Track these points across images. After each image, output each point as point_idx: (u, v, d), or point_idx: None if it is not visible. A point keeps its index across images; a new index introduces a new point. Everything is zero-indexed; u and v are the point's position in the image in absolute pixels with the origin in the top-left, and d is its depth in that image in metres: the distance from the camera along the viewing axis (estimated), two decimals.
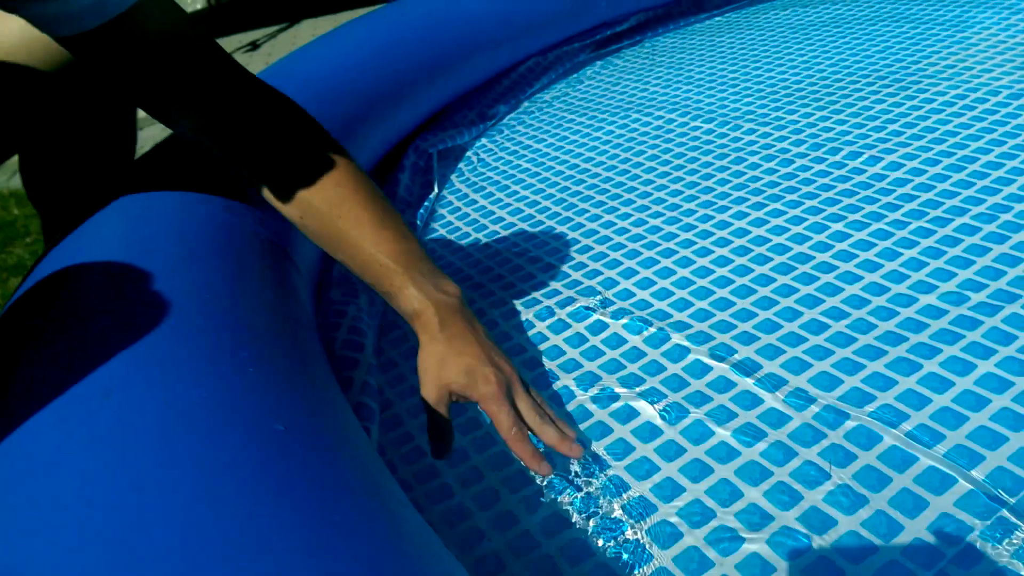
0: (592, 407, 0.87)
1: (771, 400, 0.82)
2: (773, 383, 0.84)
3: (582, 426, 0.84)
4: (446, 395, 0.73)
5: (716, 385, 0.86)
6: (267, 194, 0.76)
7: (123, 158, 0.99)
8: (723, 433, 0.79)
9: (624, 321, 1.00)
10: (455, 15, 1.77)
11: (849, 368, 0.84)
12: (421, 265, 0.75)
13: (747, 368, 0.87)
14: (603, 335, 0.98)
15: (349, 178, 0.75)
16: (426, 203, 1.43)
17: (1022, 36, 1.56)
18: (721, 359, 0.89)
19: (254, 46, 3.89)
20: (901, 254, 1.00)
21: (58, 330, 0.63)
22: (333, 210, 0.73)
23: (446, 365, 0.72)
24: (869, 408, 0.78)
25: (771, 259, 1.06)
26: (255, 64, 3.47)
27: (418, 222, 1.38)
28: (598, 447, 0.81)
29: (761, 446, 0.77)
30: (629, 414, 0.85)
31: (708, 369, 0.89)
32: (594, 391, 0.89)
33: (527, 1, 1.91)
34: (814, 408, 0.80)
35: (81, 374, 0.55)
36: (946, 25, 1.71)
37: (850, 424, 0.77)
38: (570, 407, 0.88)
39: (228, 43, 3.95)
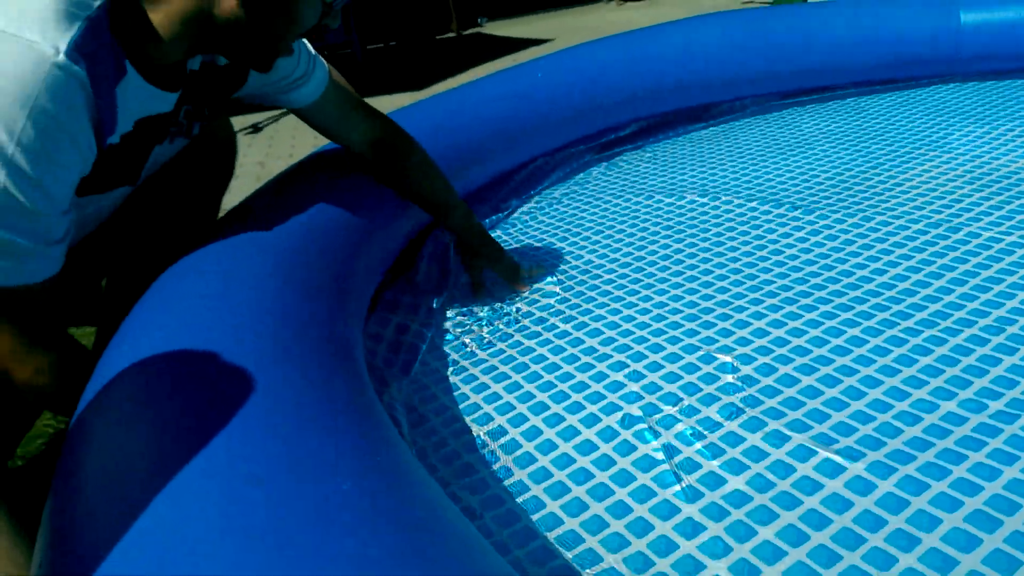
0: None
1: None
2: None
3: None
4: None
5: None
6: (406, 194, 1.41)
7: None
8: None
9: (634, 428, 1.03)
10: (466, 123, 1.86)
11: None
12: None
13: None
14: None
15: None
16: (445, 292, 1.47)
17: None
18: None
19: (256, 129, 4.00)
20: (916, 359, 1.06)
21: None
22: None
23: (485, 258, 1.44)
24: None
25: (754, 359, 1.11)
26: (258, 145, 3.56)
27: (434, 305, 1.42)
28: None
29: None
30: None
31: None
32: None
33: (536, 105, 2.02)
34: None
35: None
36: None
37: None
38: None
39: (233, 123, 4.07)
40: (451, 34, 6.36)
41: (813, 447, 0.93)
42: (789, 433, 0.96)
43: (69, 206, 0.85)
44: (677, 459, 0.95)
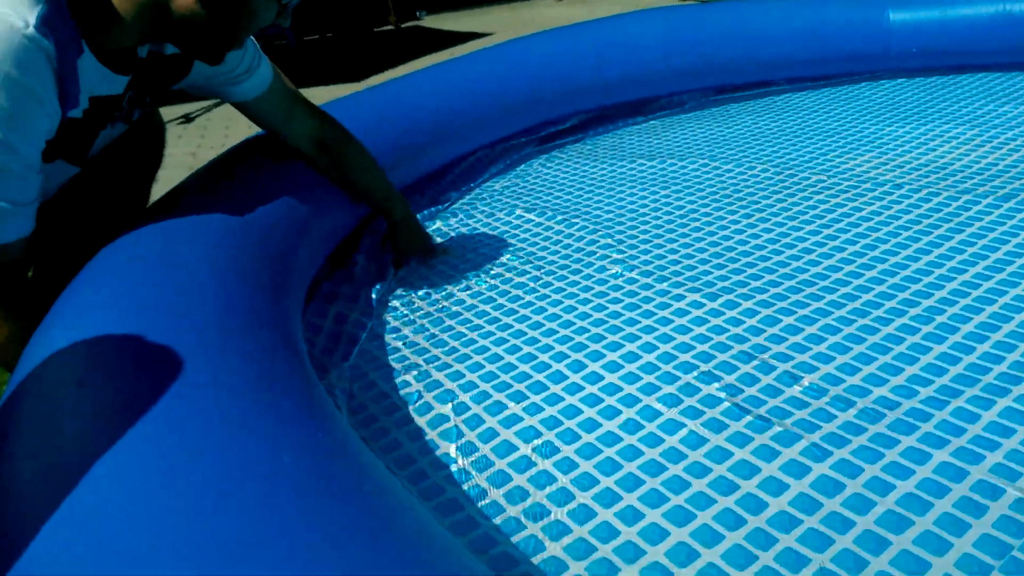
0: None
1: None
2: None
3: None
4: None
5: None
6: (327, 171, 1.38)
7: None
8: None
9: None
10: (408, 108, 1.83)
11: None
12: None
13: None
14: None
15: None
16: (379, 284, 1.44)
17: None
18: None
19: (187, 119, 3.87)
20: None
21: None
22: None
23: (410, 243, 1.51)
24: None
25: (693, 347, 1.12)
26: (189, 136, 3.44)
27: (373, 301, 1.39)
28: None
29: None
30: None
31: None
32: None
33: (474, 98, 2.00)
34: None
35: None
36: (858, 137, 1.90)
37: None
38: None
39: (163, 112, 3.93)
40: (389, 27, 6.28)
41: (749, 433, 0.94)
42: (727, 421, 0.97)
43: (39, 168, 0.89)
44: (617, 447, 0.95)
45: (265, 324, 0.86)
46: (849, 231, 1.43)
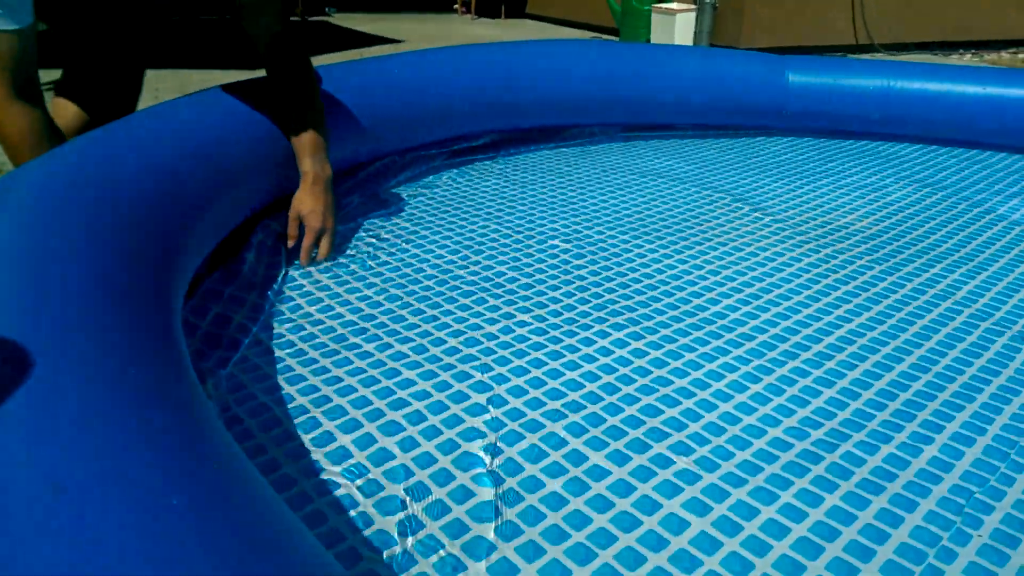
0: None
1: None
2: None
3: None
4: (296, 215, 1.45)
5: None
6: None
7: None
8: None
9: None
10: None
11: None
12: (320, 151, 1.50)
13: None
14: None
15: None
16: (274, 284, 1.34)
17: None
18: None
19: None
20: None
21: None
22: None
23: (302, 202, 1.45)
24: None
25: (598, 377, 1.10)
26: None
27: (264, 303, 1.29)
28: None
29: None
30: None
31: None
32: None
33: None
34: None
35: None
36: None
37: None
38: None
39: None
40: (295, 18, 6.07)
41: (653, 468, 0.92)
42: (630, 453, 0.95)
43: None
44: (504, 485, 0.91)
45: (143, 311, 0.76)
46: (737, 279, 1.47)
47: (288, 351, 1.16)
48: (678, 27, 4.90)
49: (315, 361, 1.14)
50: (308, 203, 1.44)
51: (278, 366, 1.13)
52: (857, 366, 1.16)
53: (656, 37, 5.00)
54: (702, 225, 1.71)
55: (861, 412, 1.05)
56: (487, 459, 0.94)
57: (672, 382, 1.11)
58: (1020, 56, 5.29)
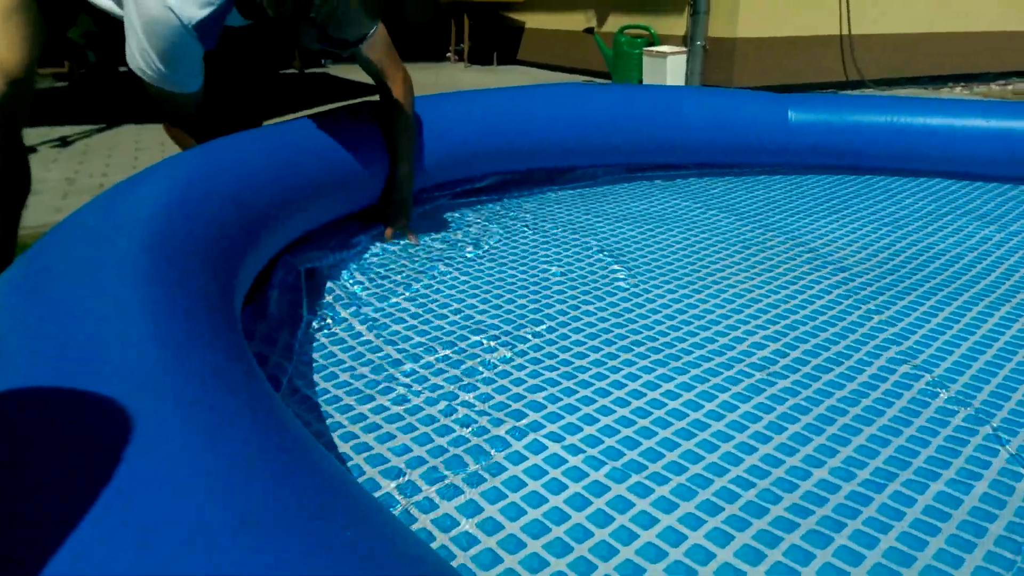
0: None
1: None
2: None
3: None
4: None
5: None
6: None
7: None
8: None
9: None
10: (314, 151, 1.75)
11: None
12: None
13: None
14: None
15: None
16: (299, 324, 1.34)
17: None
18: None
19: (64, 142, 3.57)
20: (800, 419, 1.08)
21: None
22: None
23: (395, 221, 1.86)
24: None
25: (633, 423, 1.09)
26: (65, 160, 3.16)
27: (294, 343, 1.28)
28: None
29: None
30: None
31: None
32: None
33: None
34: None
35: None
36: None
37: None
38: None
39: (35, 134, 3.62)
40: (293, 70, 6.15)
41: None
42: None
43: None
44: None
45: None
46: (742, 311, 1.47)
47: (324, 397, 1.15)
48: (669, 69, 4.98)
49: (350, 408, 1.12)
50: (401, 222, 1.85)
51: (322, 410, 1.11)
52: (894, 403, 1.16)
53: (648, 79, 5.07)
54: (726, 260, 1.72)
55: (904, 449, 1.04)
56: (527, 508, 0.92)
57: (709, 425, 1.10)
58: (1010, 88, 5.39)
